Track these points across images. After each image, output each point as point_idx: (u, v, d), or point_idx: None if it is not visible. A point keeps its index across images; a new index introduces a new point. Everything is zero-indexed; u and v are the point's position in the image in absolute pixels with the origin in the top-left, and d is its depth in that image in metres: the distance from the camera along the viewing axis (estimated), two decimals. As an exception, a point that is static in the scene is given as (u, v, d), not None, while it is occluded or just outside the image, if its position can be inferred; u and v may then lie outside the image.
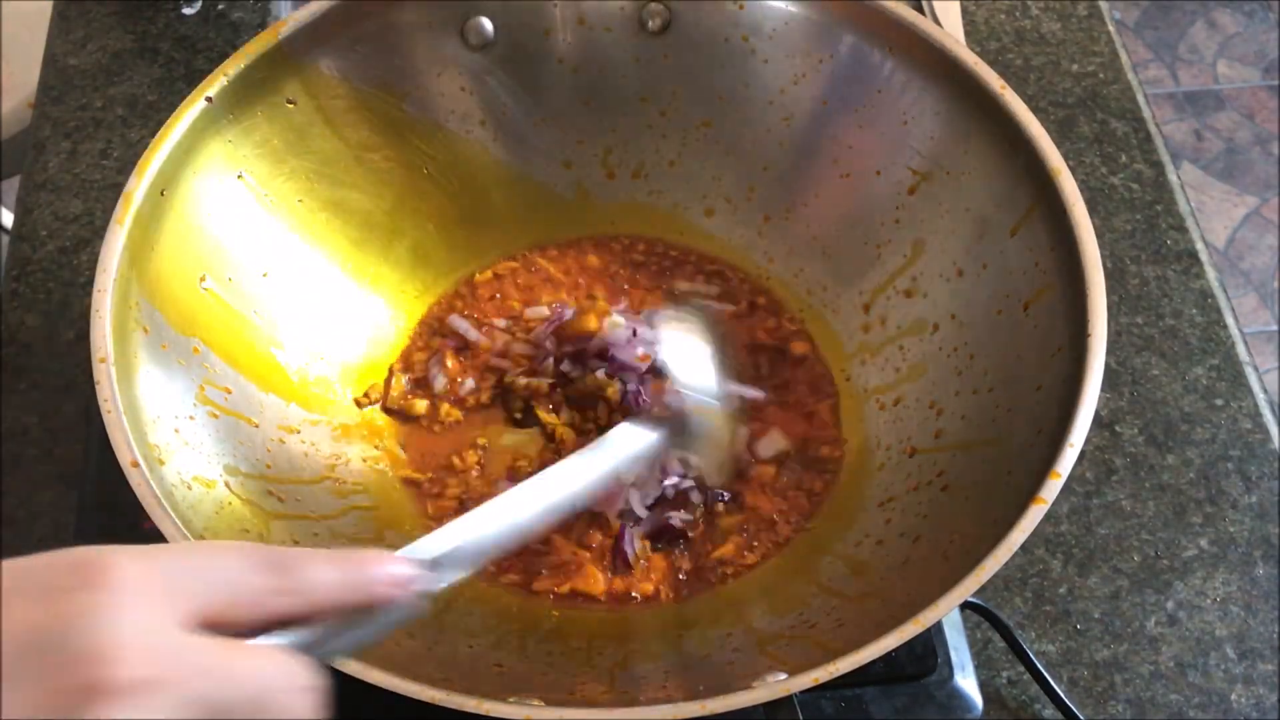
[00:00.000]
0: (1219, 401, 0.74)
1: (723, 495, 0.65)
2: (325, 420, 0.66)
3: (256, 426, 0.61)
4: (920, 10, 0.89)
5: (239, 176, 0.64)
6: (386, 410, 0.69)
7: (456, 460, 0.67)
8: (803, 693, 0.46)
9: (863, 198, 0.69)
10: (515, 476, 0.65)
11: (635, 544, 0.63)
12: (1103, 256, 0.56)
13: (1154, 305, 0.78)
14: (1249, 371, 0.76)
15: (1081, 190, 0.58)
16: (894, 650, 0.46)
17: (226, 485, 0.57)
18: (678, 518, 0.63)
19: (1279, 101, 1.97)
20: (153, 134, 0.60)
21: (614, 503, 0.63)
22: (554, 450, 0.66)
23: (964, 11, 0.92)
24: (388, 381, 0.70)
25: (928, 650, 0.60)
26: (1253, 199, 1.87)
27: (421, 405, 0.69)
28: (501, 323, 0.71)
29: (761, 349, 0.70)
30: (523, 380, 0.68)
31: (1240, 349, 0.77)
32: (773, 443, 0.67)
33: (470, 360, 0.70)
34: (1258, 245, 1.83)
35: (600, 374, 0.66)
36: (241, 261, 0.64)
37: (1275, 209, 1.86)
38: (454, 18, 0.68)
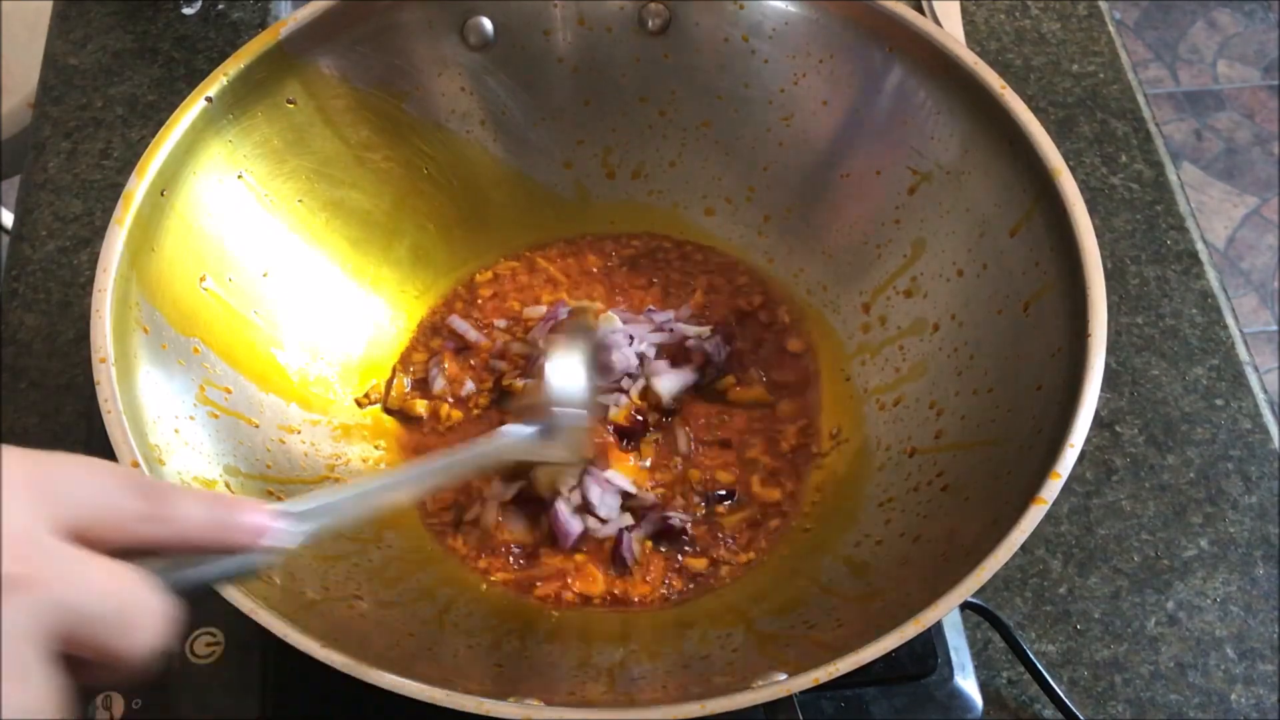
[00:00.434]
0: (1219, 401, 0.74)
1: (723, 495, 0.65)
2: (325, 420, 0.66)
3: (256, 427, 0.61)
4: (920, 10, 0.89)
5: (239, 176, 0.64)
6: (387, 411, 0.69)
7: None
8: (803, 693, 0.46)
9: (863, 198, 0.69)
10: (511, 478, 0.64)
11: (635, 548, 0.63)
12: (1103, 256, 0.56)
13: (1154, 305, 0.78)
14: (1249, 371, 0.76)
15: (1081, 190, 0.58)
16: (894, 650, 0.46)
17: (226, 485, 0.57)
18: (677, 518, 0.64)
19: (1279, 101, 1.97)
20: (153, 134, 0.60)
21: (565, 533, 0.63)
22: None
23: (964, 11, 0.92)
24: (389, 382, 0.70)
25: (928, 650, 0.60)
26: (1253, 199, 1.87)
27: (422, 406, 0.69)
28: (501, 323, 0.71)
29: (761, 343, 0.71)
30: (520, 382, 0.68)
31: (1240, 349, 0.77)
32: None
33: (470, 361, 0.70)
34: (1258, 245, 1.83)
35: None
36: (241, 261, 0.64)
37: (1275, 209, 1.86)
38: (454, 18, 0.68)
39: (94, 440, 0.67)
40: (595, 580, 0.62)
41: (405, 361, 0.70)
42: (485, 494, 0.65)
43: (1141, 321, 0.78)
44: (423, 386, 0.69)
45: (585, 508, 0.63)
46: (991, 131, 0.62)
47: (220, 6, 0.91)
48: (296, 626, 0.48)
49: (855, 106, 0.67)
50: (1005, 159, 0.61)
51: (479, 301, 0.72)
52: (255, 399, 0.62)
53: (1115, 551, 0.69)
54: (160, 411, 0.56)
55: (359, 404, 0.68)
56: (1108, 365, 0.54)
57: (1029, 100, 0.66)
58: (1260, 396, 0.75)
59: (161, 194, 0.59)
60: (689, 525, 0.64)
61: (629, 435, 0.66)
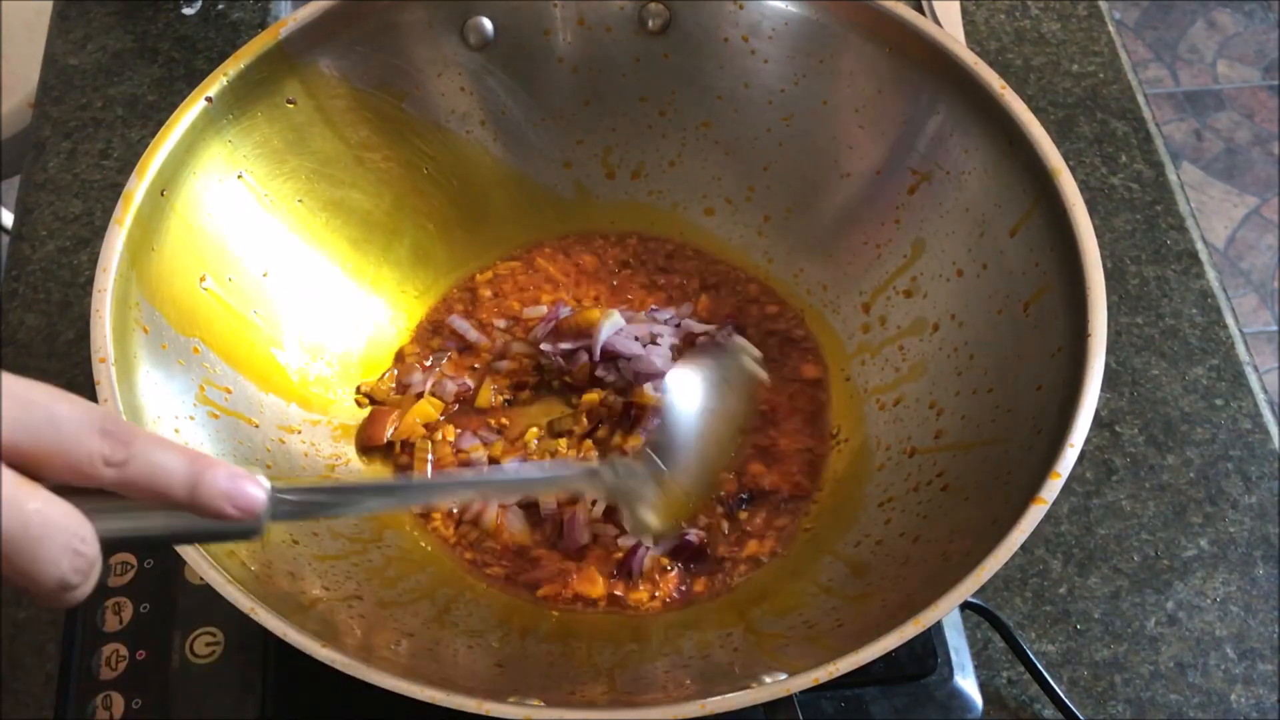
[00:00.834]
0: (1219, 401, 0.74)
1: (743, 500, 0.64)
2: (325, 420, 0.66)
3: (257, 427, 0.61)
4: (920, 10, 0.89)
5: (239, 176, 0.64)
6: (368, 397, 0.69)
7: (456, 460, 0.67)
8: (803, 693, 0.46)
9: (863, 198, 0.69)
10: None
11: (644, 564, 0.62)
12: (1103, 256, 0.56)
13: (1154, 305, 0.78)
14: (1249, 371, 0.76)
15: (1081, 190, 0.58)
16: (894, 650, 0.46)
17: (226, 485, 0.56)
18: (694, 534, 0.63)
19: (1279, 101, 1.97)
20: (153, 134, 0.60)
21: (575, 541, 0.63)
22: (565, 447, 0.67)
23: (964, 11, 0.92)
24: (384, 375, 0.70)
25: (928, 650, 0.60)
26: (1253, 199, 1.87)
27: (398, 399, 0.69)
28: (502, 323, 0.71)
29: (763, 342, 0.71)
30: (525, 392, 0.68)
31: (1240, 349, 0.77)
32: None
33: (470, 361, 0.70)
34: (1258, 245, 1.83)
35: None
36: (241, 261, 0.64)
37: (1275, 209, 1.86)
38: (454, 18, 0.68)
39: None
40: (596, 583, 0.62)
41: (405, 361, 0.70)
42: (485, 494, 0.65)
43: (1141, 321, 0.78)
44: (422, 387, 0.69)
45: (606, 518, 0.63)
46: (991, 131, 0.62)
47: (220, 6, 0.91)
48: (296, 626, 0.48)
49: (855, 107, 0.67)
50: (1005, 159, 0.61)
51: (479, 301, 0.72)
52: (255, 399, 0.62)
53: (1115, 551, 0.69)
54: (160, 411, 0.56)
55: (358, 403, 0.68)
56: (1108, 365, 0.54)
57: (1029, 100, 0.66)
58: (1260, 396, 0.75)
59: (161, 194, 0.59)
60: (707, 544, 0.63)
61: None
